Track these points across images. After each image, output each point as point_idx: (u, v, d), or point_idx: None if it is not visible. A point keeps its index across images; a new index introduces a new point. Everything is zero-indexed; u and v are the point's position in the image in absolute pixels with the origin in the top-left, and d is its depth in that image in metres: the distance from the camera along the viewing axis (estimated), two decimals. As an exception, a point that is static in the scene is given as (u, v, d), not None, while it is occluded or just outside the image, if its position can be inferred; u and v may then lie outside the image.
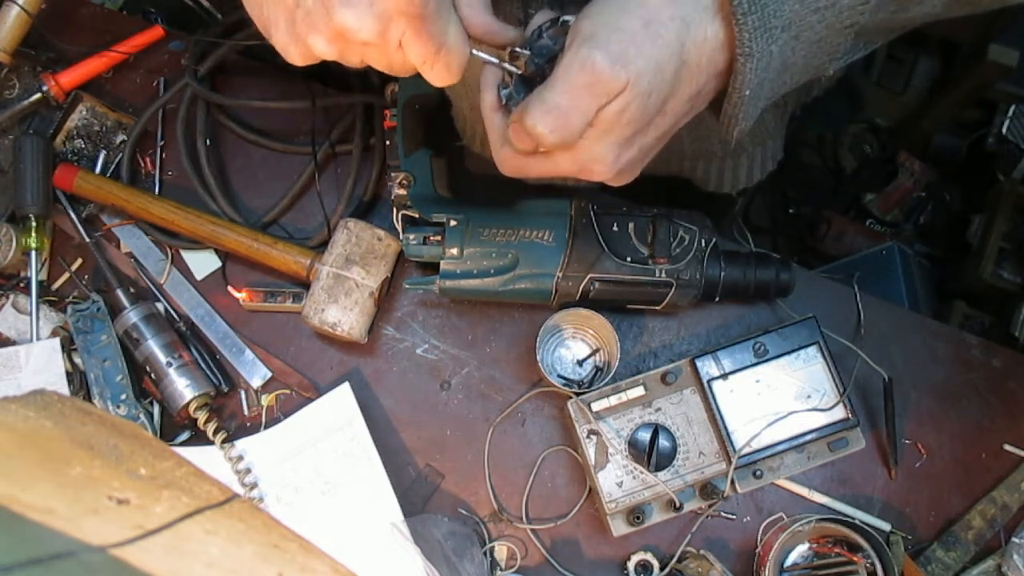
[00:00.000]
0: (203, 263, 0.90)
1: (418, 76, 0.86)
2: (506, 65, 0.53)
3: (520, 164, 0.54)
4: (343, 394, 0.83)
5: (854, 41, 0.51)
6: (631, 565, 0.80)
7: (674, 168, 0.81)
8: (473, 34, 0.51)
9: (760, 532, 0.83)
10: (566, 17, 0.51)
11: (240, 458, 0.82)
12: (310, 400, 0.85)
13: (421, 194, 0.81)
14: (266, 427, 0.85)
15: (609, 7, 0.47)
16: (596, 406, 0.78)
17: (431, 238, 0.80)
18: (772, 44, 0.47)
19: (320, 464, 0.82)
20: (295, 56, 0.50)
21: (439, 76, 0.50)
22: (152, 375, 0.84)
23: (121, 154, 0.92)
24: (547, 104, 0.47)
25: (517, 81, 0.53)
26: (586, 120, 0.48)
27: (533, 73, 0.53)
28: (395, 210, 0.82)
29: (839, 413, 0.78)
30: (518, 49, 0.53)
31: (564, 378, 0.84)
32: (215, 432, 0.82)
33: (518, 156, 0.53)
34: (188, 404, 0.82)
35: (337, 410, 0.83)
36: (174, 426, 0.86)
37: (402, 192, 0.81)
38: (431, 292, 0.81)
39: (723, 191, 0.84)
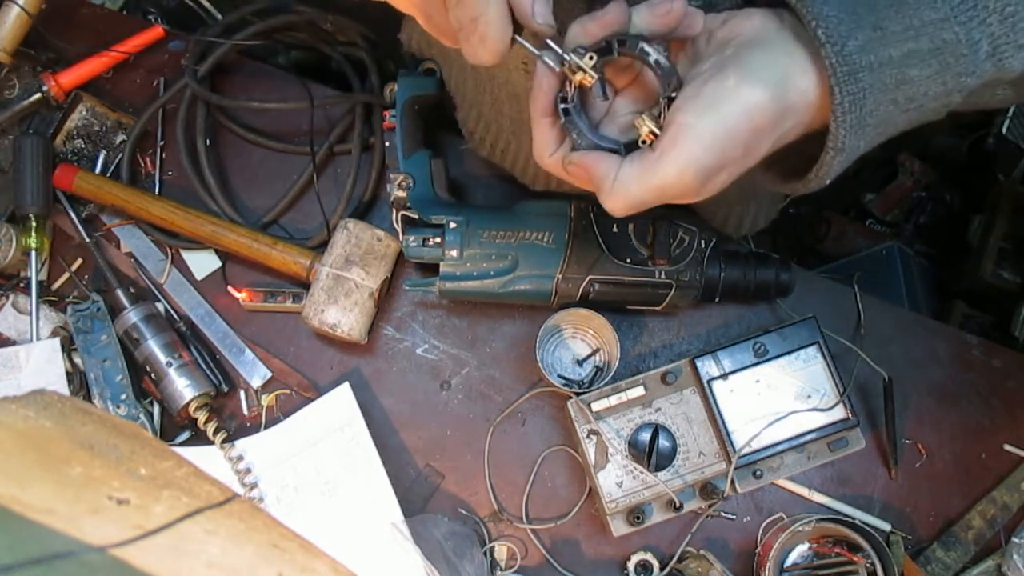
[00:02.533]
0: (203, 263, 0.90)
1: (417, 76, 0.86)
2: (560, 57, 0.50)
3: (564, 176, 0.54)
4: (343, 394, 0.83)
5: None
6: (631, 565, 0.80)
7: None
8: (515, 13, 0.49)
9: (760, 532, 0.83)
10: (647, 48, 0.49)
11: (240, 458, 0.82)
12: (310, 400, 0.85)
13: (421, 196, 0.81)
14: (266, 427, 0.85)
15: (719, 123, 0.46)
16: (596, 406, 0.78)
17: (431, 240, 0.80)
18: (861, 140, 0.48)
19: (320, 464, 0.82)
20: None
21: (473, 49, 0.48)
22: (152, 375, 0.84)
23: (121, 154, 0.92)
24: (634, 200, 0.49)
25: (577, 95, 0.51)
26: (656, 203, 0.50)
27: (593, 93, 0.51)
28: (394, 211, 0.82)
29: (839, 413, 0.78)
30: (581, 50, 0.49)
31: (564, 378, 0.84)
32: (215, 432, 0.82)
33: (564, 173, 0.53)
34: (188, 404, 0.82)
35: (337, 410, 0.83)
36: (174, 426, 0.86)
37: (401, 194, 0.81)
38: (431, 293, 0.82)
39: (726, 232, 0.84)
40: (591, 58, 0.49)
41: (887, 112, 0.48)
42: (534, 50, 0.50)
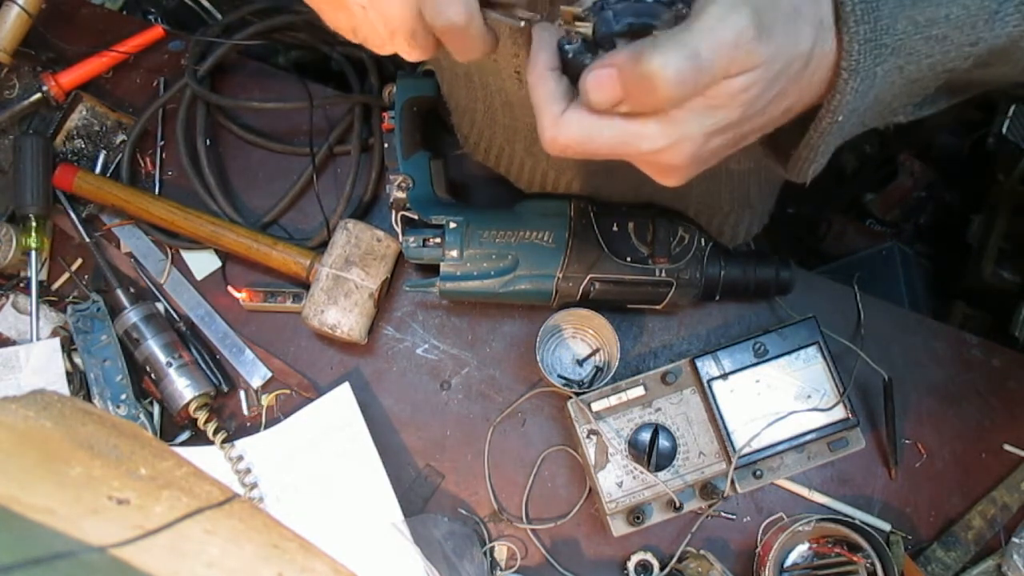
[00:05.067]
0: (203, 263, 0.90)
1: (416, 77, 0.86)
2: (579, 28, 0.45)
3: (587, 131, 0.44)
4: (343, 394, 0.83)
5: (936, 92, 0.50)
6: (631, 565, 0.80)
7: (679, 207, 0.81)
8: None
9: (760, 532, 0.83)
10: None
11: (240, 458, 0.82)
12: (310, 400, 0.85)
13: (420, 196, 0.81)
14: (266, 427, 0.85)
15: None
16: (596, 406, 0.78)
17: (430, 240, 0.80)
18: (878, 65, 0.44)
19: (320, 464, 0.82)
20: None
21: (457, 44, 0.44)
22: (152, 375, 0.84)
23: (121, 154, 0.92)
24: (687, 49, 0.39)
25: (581, 44, 0.45)
26: (711, 82, 0.41)
27: (598, 40, 0.45)
28: (394, 212, 0.82)
29: (839, 413, 0.78)
30: (577, 14, 0.45)
31: (564, 378, 0.84)
32: (215, 432, 0.82)
33: (587, 118, 0.44)
34: (188, 404, 0.82)
35: (337, 410, 0.83)
36: (174, 426, 0.86)
37: (401, 195, 0.81)
38: (431, 294, 0.82)
39: (721, 241, 0.84)
40: (586, 13, 0.45)
41: (905, 32, 0.44)
42: (507, 19, 0.47)
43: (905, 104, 0.50)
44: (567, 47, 0.45)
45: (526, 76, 0.47)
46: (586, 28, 0.44)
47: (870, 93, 0.46)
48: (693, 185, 0.77)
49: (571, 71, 0.45)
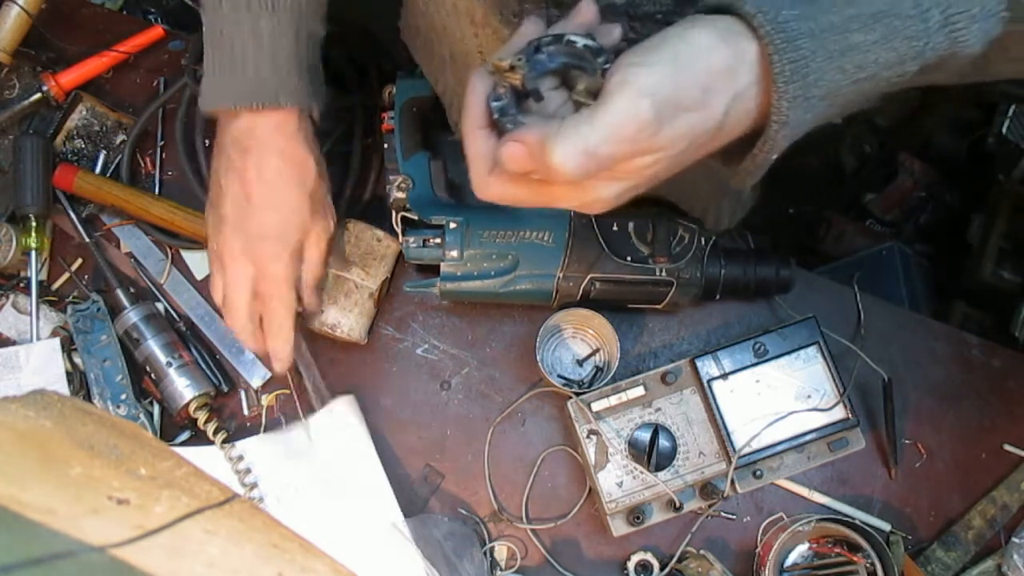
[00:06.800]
0: (203, 263, 0.90)
1: (416, 78, 0.86)
2: (507, 75, 0.48)
3: (509, 192, 0.49)
4: (344, 395, 0.83)
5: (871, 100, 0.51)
6: (631, 565, 0.80)
7: (662, 193, 0.81)
8: None
9: (760, 532, 0.83)
10: (572, 37, 0.48)
11: (240, 458, 0.82)
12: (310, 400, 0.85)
13: (420, 197, 0.81)
14: (266, 427, 0.85)
15: (670, 58, 0.44)
16: (596, 406, 0.78)
17: (431, 240, 0.80)
18: (808, 113, 0.46)
19: (320, 464, 0.82)
20: None
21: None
22: (152, 375, 0.84)
23: (121, 154, 0.92)
24: (586, 145, 0.43)
25: (511, 95, 0.48)
26: (611, 167, 0.45)
27: (527, 90, 0.48)
28: (394, 213, 0.82)
29: (839, 413, 0.78)
30: (510, 60, 0.48)
31: (564, 378, 0.84)
32: (215, 432, 0.82)
33: (508, 182, 0.49)
34: (188, 404, 0.82)
35: (338, 411, 0.83)
36: (174, 426, 0.86)
37: (401, 195, 0.81)
38: (432, 294, 0.82)
39: (706, 228, 0.84)
40: (519, 58, 0.48)
41: (834, 81, 0.45)
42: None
43: (839, 115, 0.51)
44: (493, 104, 0.48)
45: (460, 128, 0.50)
46: (516, 79, 0.48)
47: (801, 129, 0.48)
48: (671, 178, 0.77)
49: (498, 126, 0.49)
